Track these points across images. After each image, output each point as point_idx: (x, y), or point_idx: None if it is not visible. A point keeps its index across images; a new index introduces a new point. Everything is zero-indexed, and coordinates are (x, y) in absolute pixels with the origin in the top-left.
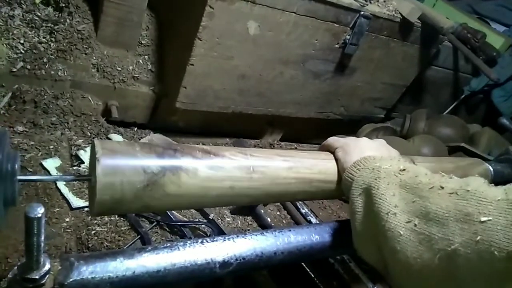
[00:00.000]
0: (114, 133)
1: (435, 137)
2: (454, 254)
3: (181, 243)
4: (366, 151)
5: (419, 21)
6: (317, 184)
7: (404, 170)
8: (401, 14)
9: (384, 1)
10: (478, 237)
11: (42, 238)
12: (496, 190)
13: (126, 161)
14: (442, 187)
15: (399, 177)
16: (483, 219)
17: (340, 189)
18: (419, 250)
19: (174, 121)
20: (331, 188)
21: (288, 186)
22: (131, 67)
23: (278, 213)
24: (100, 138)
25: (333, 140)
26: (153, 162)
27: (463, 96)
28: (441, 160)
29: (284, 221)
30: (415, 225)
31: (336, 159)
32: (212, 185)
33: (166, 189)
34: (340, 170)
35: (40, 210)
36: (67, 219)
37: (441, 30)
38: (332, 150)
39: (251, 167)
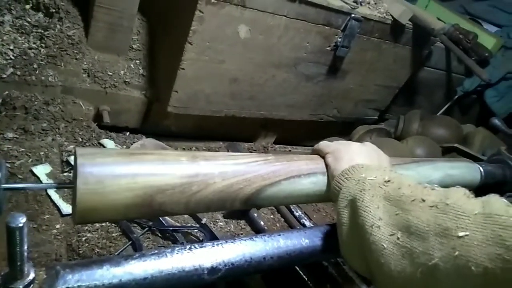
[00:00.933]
0: (106, 138)
1: (429, 138)
2: (435, 269)
3: (169, 250)
4: (356, 159)
5: (410, 23)
6: (305, 187)
7: (389, 181)
8: (392, 16)
9: (375, 4)
10: (457, 252)
11: (25, 247)
12: (475, 203)
13: (107, 169)
14: (424, 200)
15: (383, 188)
16: (460, 234)
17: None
18: (402, 263)
19: (167, 125)
20: (321, 192)
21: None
22: (122, 72)
23: (271, 216)
24: (92, 144)
25: (324, 145)
26: (138, 169)
27: (456, 96)
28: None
29: (278, 225)
30: (398, 238)
31: (326, 165)
32: (199, 191)
33: (149, 197)
34: (330, 176)
35: (21, 220)
36: (58, 226)
37: (432, 31)
38: (322, 155)
39: (239, 172)
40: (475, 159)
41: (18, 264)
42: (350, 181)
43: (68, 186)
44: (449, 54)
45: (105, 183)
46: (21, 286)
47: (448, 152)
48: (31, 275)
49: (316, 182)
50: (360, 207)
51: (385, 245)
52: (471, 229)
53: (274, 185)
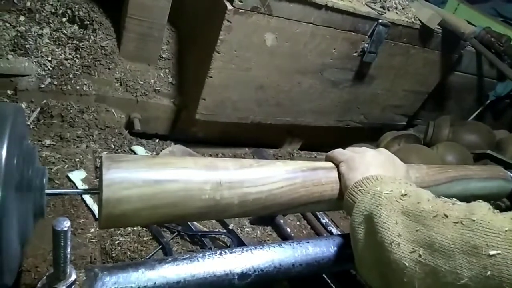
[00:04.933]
0: (137, 145)
1: (459, 144)
2: None
3: (200, 255)
4: (371, 169)
5: (439, 27)
6: (317, 195)
7: (405, 195)
8: (421, 21)
9: (403, 8)
10: (488, 272)
11: (69, 250)
12: (503, 219)
13: (132, 174)
14: (446, 216)
15: (400, 203)
16: (491, 252)
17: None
18: (426, 282)
19: (194, 132)
20: (332, 199)
21: (286, 195)
22: (152, 81)
23: (297, 223)
24: (124, 150)
25: (338, 153)
26: (162, 175)
27: (488, 101)
28: (457, 167)
29: (304, 231)
30: (420, 255)
31: (339, 173)
32: (212, 197)
33: (171, 200)
34: (343, 186)
35: (66, 224)
36: (92, 230)
37: (462, 35)
38: (336, 164)
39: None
40: (508, 166)
41: (62, 265)
42: (364, 195)
43: (94, 192)
44: (481, 58)
45: (129, 189)
46: (64, 287)
47: (480, 159)
48: (73, 277)
49: (328, 190)
50: (378, 223)
51: (406, 263)
52: (503, 247)
53: (283, 190)
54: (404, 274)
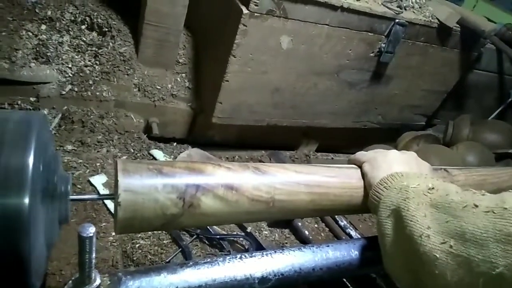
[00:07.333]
0: (155, 149)
1: (480, 143)
2: (500, 278)
3: (221, 259)
4: (394, 166)
5: (457, 26)
6: (340, 199)
7: (433, 188)
8: (438, 20)
9: (420, 7)
10: None
11: (94, 255)
12: None
13: (147, 180)
14: (476, 205)
15: (428, 196)
16: None
17: (367, 205)
18: (459, 273)
19: (211, 135)
20: (357, 203)
21: (311, 201)
22: (169, 85)
23: (316, 225)
24: (143, 154)
25: (360, 155)
26: (175, 180)
27: (509, 99)
28: (479, 170)
29: (322, 234)
30: (451, 246)
31: (363, 174)
32: (230, 210)
33: (187, 207)
34: (367, 185)
35: (91, 230)
36: (113, 233)
37: (483, 33)
38: (359, 165)
39: (272, 184)
40: None
41: (87, 270)
42: (391, 190)
43: (108, 198)
44: (501, 56)
45: (144, 195)
46: None
47: (501, 158)
48: (97, 281)
49: (350, 193)
50: (406, 217)
51: (437, 255)
52: None
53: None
54: (436, 266)
